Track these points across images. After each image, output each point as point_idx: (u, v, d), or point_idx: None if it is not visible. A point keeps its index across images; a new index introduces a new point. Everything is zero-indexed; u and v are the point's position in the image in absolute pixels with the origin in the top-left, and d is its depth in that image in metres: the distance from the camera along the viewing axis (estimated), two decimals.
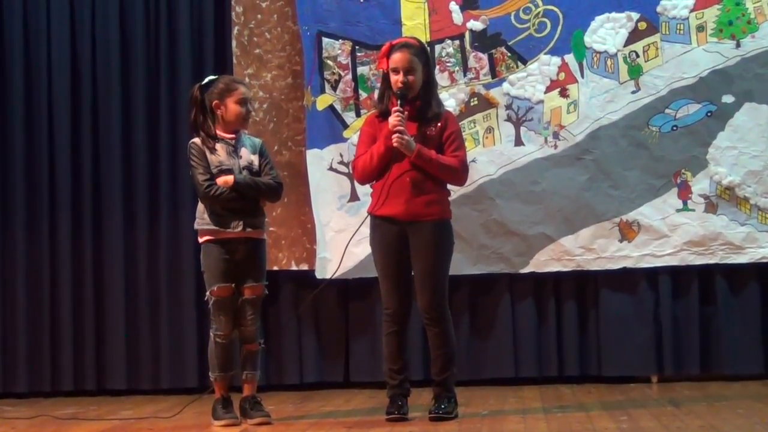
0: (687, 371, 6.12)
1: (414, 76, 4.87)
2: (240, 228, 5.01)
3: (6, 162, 6.48)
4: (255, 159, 5.09)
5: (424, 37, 6.07)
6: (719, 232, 6.03)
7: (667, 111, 6.09)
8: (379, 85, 5.26)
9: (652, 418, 4.79)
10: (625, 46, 6.11)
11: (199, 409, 5.33)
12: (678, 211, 6.07)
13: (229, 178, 4.97)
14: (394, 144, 4.81)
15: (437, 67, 6.08)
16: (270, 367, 6.28)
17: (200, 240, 5.09)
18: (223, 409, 5.04)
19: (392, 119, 4.82)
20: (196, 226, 5.09)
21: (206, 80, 5.08)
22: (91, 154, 6.47)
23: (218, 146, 5.04)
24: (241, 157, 5.07)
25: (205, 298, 5.07)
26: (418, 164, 4.85)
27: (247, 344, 5.09)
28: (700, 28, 6.08)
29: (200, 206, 5.07)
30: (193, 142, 5.06)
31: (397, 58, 4.88)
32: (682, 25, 6.09)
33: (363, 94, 6.20)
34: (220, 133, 5.05)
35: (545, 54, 6.14)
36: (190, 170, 5.08)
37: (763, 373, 6.06)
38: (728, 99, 6.06)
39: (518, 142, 6.15)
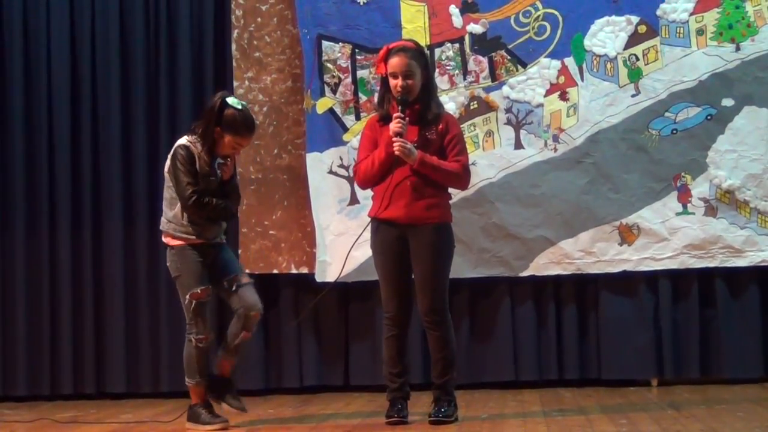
0: (687, 374, 6.12)
1: (413, 80, 4.86)
2: (218, 239, 5.07)
3: (6, 162, 6.48)
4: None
5: (424, 40, 6.06)
6: (719, 236, 6.03)
7: (666, 114, 6.09)
8: (378, 88, 5.25)
9: (652, 421, 4.80)
10: (624, 49, 6.11)
11: None
12: (678, 214, 6.08)
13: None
14: (396, 152, 4.81)
15: (437, 70, 6.08)
16: (270, 370, 6.29)
17: (172, 243, 5.03)
18: (210, 414, 5.02)
19: (393, 126, 4.82)
20: (169, 230, 5.02)
21: (230, 100, 4.99)
22: (91, 154, 6.46)
23: (207, 159, 4.98)
24: (215, 160, 5.04)
25: (185, 302, 5.01)
26: (421, 171, 4.85)
27: (248, 332, 5.05)
28: (700, 32, 6.08)
29: (178, 212, 5.00)
30: (182, 146, 4.98)
31: (394, 62, 4.87)
32: (681, 29, 6.09)
33: (363, 97, 6.20)
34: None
35: (545, 57, 6.14)
36: (173, 172, 4.97)
37: (763, 377, 6.07)
38: (728, 102, 6.06)
39: (518, 145, 6.15)
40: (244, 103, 5.12)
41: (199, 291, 4.98)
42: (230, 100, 4.99)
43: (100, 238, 6.46)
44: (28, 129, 6.48)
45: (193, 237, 4.99)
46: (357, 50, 6.20)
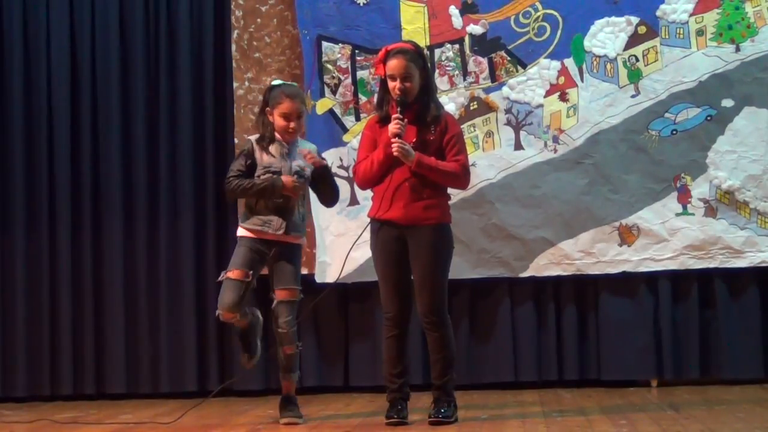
0: (687, 375, 6.12)
1: (411, 82, 4.86)
2: (282, 231, 5.06)
3: (6, 162, 6.47)
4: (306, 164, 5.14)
5: (424, 41, 6.07)
6: (719, 236, 6.03)
7: (666, 115, 6.09)
8: (378, 89, 5.25)
9: (652, 422, 4.79)
10: (624, 50, 6.11)
11: (200, 413, 5.34)
12: (677, 215, 6.08)
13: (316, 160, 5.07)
14: (394, 153, 4.81)
15: (437, 71, 6.09)
16: (270, 370, 6.27)
17: (237, 234, 5.17)
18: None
19: (392, 127, 4.82)
20: (241, 221, 5.18)
21: (273, 83, 5.15)
22: (91, 154, 6.46)
23: (272, 148, 5.08)
24: (294, 159, 5.11)
25: (218, 279, 5.10)
26: (419, 173, 4.85)
27: (285, 346, 5.12)
28: (700, 32, 6.08)
29: (240, 204, 5.19)
30: (248, 140, 5.19)
31: (393, 64, 4.87)
32: (681, 29, 6.10)
33: (363, 98, 6.21)
34: (277, 135, 5.10)
35: (545, 58, 6.14)
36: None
37: (762, 377, 6.06)
38: (728, 103, 6.06)
39: (518, 146, 6.15)
40: (285, 82, 5.24)
41: (231, 271, 5.02)
42: (273, 83, 5.17)
43: (100, 238, 6.46)
44: (28, 129, 6.48)
45: (258, 228, 5.06)
46: (357, 51, 6.20)
